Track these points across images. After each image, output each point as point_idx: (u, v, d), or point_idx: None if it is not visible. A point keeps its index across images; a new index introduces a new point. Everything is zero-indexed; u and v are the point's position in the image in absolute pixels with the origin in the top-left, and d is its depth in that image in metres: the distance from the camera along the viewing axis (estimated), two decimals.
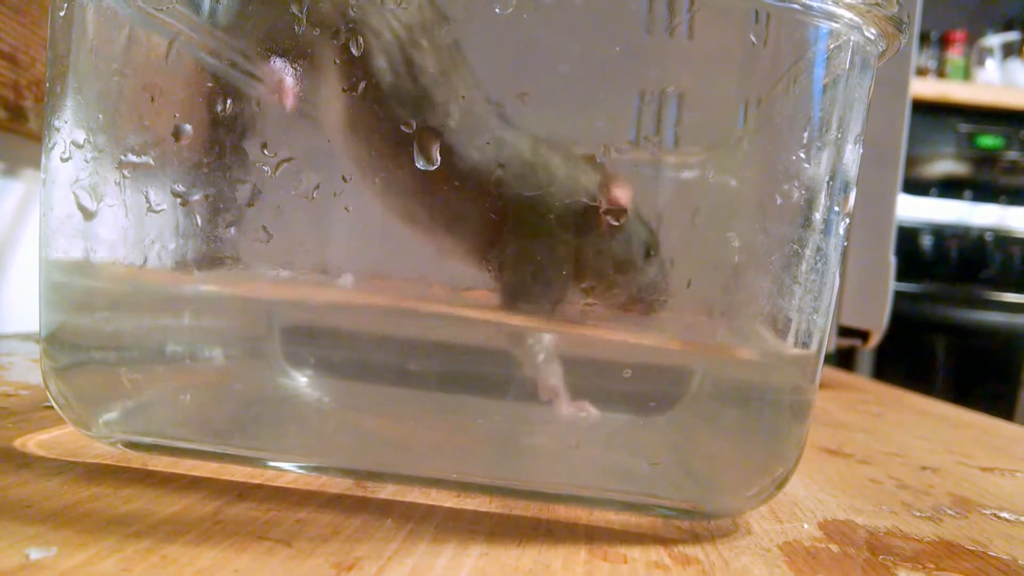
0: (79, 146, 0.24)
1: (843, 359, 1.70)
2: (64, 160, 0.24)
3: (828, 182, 0.24)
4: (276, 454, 0.25)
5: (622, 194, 0.22)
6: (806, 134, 0.23)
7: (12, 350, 0.45)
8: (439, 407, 0.25)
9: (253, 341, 0.26)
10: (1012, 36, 2.03)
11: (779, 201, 0.23)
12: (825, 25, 0.23)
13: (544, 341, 0.23)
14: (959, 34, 2.03)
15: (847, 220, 0.25)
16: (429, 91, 0.23)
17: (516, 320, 0.24)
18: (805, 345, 0.24)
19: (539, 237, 0.23)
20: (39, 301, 0.26)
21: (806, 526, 0.25)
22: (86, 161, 0.24)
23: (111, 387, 0.25)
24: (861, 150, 0.25)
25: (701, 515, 0.24)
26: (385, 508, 0.23)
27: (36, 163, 0.54)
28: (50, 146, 0.25)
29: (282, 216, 0.23)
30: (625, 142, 0.23)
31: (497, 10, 0.22)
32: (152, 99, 0.24)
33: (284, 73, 0.23)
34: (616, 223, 0.23)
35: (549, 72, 0.23)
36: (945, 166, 1.93)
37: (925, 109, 1.72)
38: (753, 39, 0.22)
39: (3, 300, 0.53)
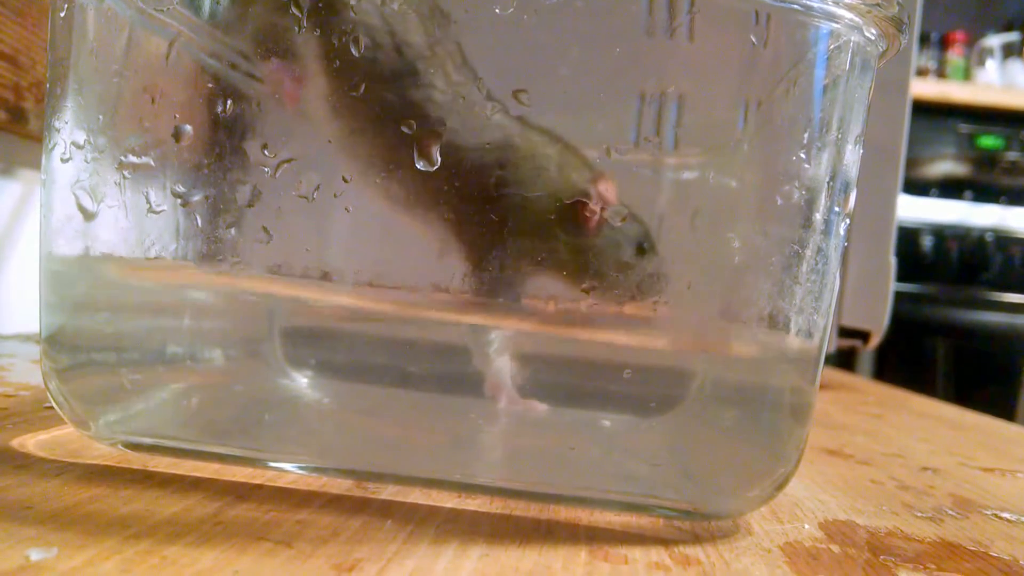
0: (79, 147, 0.24)
1: (843, 360, 1.70)
2: (64, 161, 0.24)
3: (828, 183, 0.24)
4: (277, 455, 0.25)
5: (609, 190, 0.22)
6: (806, 135, 0.23)
7: (12, 351, 0.45)
8: (439, 408, 0.25)
9: (253, 342, 0.26)
10: (1012, 37, 2.03)
11: (779, 202, 0.23)
12: (825, 26, 0.23)
13: (499, 337, 0.24)
14: (959, 35, 2.03)
15: (847, 221, 0.25)
16: (430, 90, 0.23)
17: (515, 320, 0.24)
18: (806, 346, 0.24)
19: (533, 234, 0.23)
20: (39, 302, 0.26)
21: (807, 527, 0.25)
22: (86, 162, 0.24)
23: (111, 388, 0.25)
24: (861, 151, 0.25)
25: (702, 516, 0.24)
26: (386, 509, 0.23)
27: (36, 164, 0.54)
28: (50, 147, 0.25)
29: (282, 217, 0.23)
30: (625, 143, 0.23)
31: (497, 11, 0.22)
32: (152, 100, 0.24)
33: (284, 74, 0.23)
34: (609, 220, 0.23)
35: (550, 73, 0.23)
36: (945, 167, 1.93)
37: (925, 110, 1.71)
38: (753, 40, 0.22)
39: (3, 301, 0.53)
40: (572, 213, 0.23)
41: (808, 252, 0.24)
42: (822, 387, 0.66)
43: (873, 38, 0.23)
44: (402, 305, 0.24)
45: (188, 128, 0.23)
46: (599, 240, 0.23)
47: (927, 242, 1.89)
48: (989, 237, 1.90)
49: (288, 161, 0.23)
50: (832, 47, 0.23)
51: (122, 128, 0.24)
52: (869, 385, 0.84)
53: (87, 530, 0.19)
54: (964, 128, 1.94)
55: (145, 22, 0.24)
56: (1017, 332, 1.86)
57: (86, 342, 0.26)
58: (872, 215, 0.68)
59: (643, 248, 0.23)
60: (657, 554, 0.21)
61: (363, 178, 0.23)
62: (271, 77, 0.23)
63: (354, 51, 0.23)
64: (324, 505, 0.22)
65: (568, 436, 0.24)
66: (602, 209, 0.23)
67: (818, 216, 0.24)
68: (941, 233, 1.89)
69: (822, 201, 0.24)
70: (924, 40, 2.01)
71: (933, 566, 0.22)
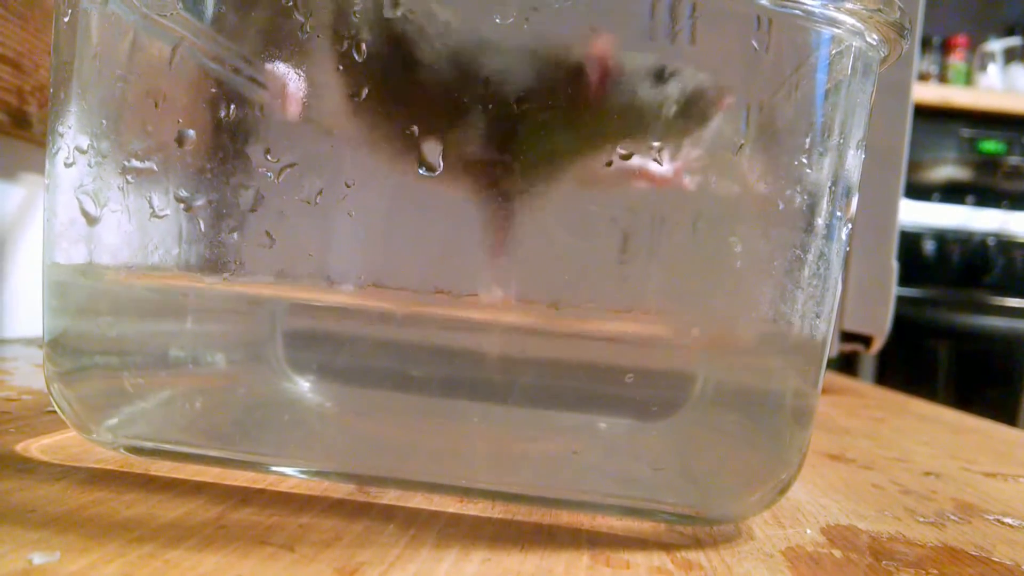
0: (83, 151, 0.24)
1: (845, 364, 1.70)
2: (68, 165, 0.24)
3: (830, 187, 0.24)
4: (279, 459, 0.25)
5: (603, 42, 0.22)
6: (808, 139, 0.23)
7: (15, 355, 0.45)
8: (442, 412, 0.25)
9: (256, 346, 0.26)
10: (1014, 41, 2.04)
11: (781, 206, 0.23)
12: (827, 31, 0.23)
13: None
14: (961, 39, 2.04)
15: (849, 225, 0.25)
16: (431, 94, 0.23)
17: (518, 321, 0.24)
18: (808, 350, 0.24)
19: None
20: (42, 306, 0.26)
21: (809, 531, 0.25)
22: (90, 166, 0.24)
23: (114, 392, 0.25)
24: (863, 155, 0.25)
25: (704, 520, 0.24)
26: (388, 513, 0.23)
27: (39, 168, 0.54)
28: (54, 151, 0.25)
29: (285, 221, 0.23)
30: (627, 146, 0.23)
31: (497, 20, 0.22)
32: (156, 104, 0.24)
33: (287, 78, 0.23)
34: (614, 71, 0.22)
35: (551, 77, 0.23)
36: (947, 171, 1.93)
37: (927, 114, 1.72)
38: (755, 45, 0.22)
39: (6, 305, 0.53)
40: (579, 81, 0.22)
41: (810, 256, 0.24)
42: (824, 391, 0.66)
43: (875, 43, 0.24)
44: (404, 308, 0.24)
45: (191, 133, 0.23)
46: (620, 89, 0.22)
47: (929, 246, 1.89)
48: (991, 241, 1.90)
49: (291, 166, 0.23)
50: (834, 52, 0.23)
51: (125, 133, 0.24)
52: (871, 389, 0.84)
53: (89, 534, 0.19)
54: (966, 133, 1.94)
55: (149, 27, 0.24)
56: (1019, 336, 1.86)
57: (89, 346, 0.26)
58: (874, 219, 0.69)
59: (663, 75, 0.22)
60: (659, 558, 0.21)
61: (366, 182, 0.23)
62: (274, 81, 0.23)
63: (357, 56, 0.23)
64: (326, 509, 0.22)
65: (570, 440, 0.24)
66: (605, 65, 0.22)
67: (820, 221, 0.24)
68: (943, 237, 1.89)
69: (824, 206, 0.24)
70: (926, 45, 2.01)
71: (935, 571, 0.22)
